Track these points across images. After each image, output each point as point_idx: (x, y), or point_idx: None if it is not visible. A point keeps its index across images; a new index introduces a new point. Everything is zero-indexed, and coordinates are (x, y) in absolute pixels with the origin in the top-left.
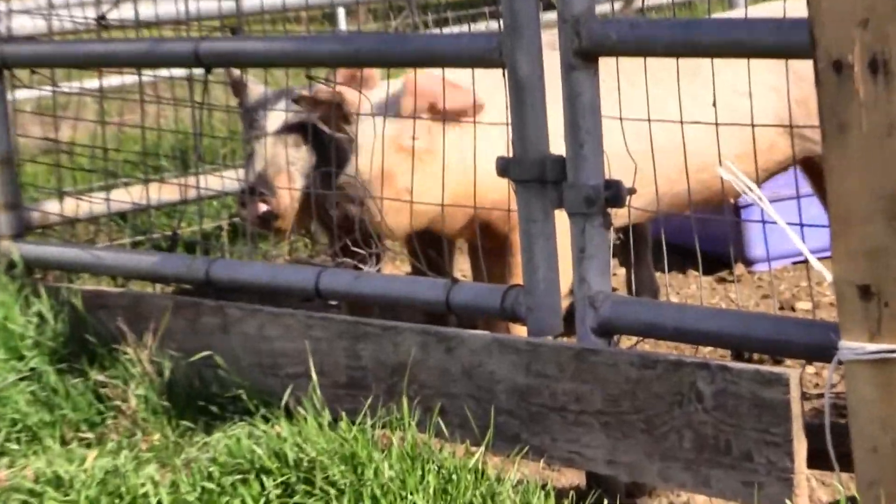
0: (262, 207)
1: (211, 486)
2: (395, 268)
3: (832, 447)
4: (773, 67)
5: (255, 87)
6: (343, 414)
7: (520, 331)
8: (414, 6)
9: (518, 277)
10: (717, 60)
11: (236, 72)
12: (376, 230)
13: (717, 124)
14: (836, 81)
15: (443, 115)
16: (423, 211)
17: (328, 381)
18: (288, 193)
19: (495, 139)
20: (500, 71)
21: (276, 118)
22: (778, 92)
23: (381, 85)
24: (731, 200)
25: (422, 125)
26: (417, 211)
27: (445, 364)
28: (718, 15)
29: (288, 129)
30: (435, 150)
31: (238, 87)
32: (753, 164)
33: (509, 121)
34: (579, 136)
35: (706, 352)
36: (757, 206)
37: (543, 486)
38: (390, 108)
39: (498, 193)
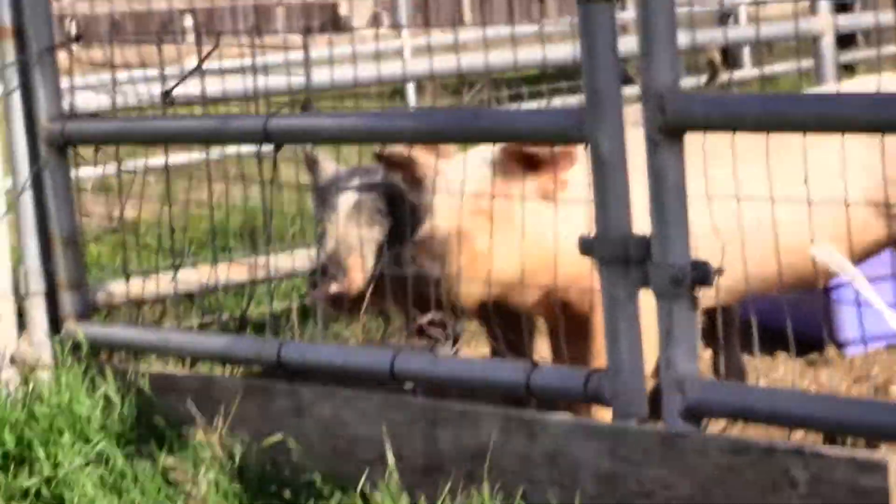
0: (334, 288)
1: None
2: (473, 349)
3: None
4: (863, 146)
5: (328, 164)
6: (421, 500)
7: (604, 414)
8: (488, 81)
9: (600, 359)
10: (804, 140)
11: (309, 148)
12: (450, 297)
13: (808, 202)
14: None
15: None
16: (497, 279)
17: (405, 465)
18: (360, 273)
19: (575, 215)
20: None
21: (348, 197)
22: (869, 171)
23: (458, 156)
24: (821, 284)
25: (503, 189)
26: (492, 279)
27: (527, 449)
28: (807, 90)
29: (361, 207)
30: (514, 219)
31: (310, 164)
32: (846, 243)
33: (592, 198)
34: (664, 215)
35: (798, 436)
36: (847, 287)
37: None
38: (475, 170)
39: (575, 268)
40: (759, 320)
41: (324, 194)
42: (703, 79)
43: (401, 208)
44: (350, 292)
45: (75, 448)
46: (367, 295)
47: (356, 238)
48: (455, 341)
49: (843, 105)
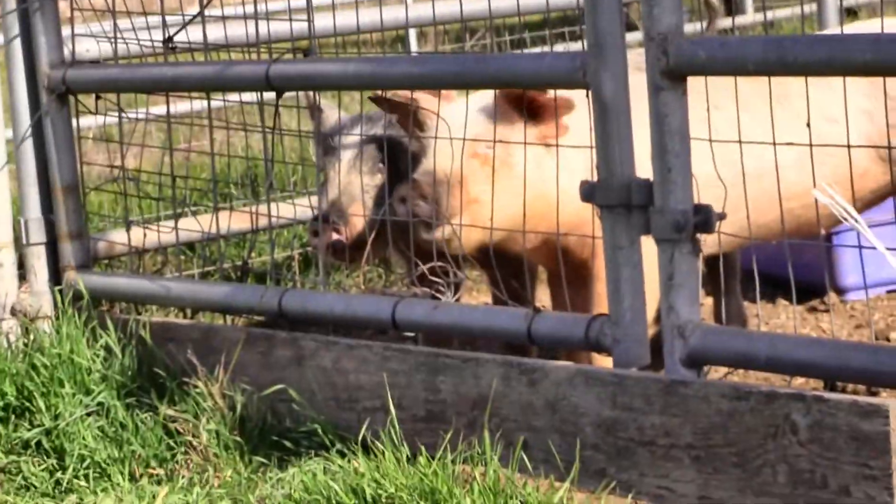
0: (335, 236)
1: None
2: (474, 298)
3: None
4: (865, 91)
5: (331, 111)
6: (422, 448)
7: (604, 362)
8: (490, 27)
9: (602, 307)
10: (804, 86)
11: (312, 95)
12: (447, 242)
13: (811, 145)
14: None
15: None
16: (495, 225)
17: (406, 414)
18: (362, 221)
19: (574, 161)
20: (583, 92)
21: (350, 145)
22: (870, 116)
23: (459, 101)
24: (823, 231)
25: (502, 134)
26: (488, 224)
27: (528, 397)
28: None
29: (363, 155)
30: (512, 163)
31: (313, 112)
32: (848, 189)
33: (593, 143)
34: (667, 160)
35: (798, 383)
36: (849, 233)
37: None
38: (474, 115)
39: (576, 215)
40: (759, 267)
41: (326, 142)
42: (704, 24)
43: (402, 159)
44: (351, 240)
45: (76, 399)
46: (369, 243)
47: (357, 187)
48: (457, 289)
49: (847, 46)
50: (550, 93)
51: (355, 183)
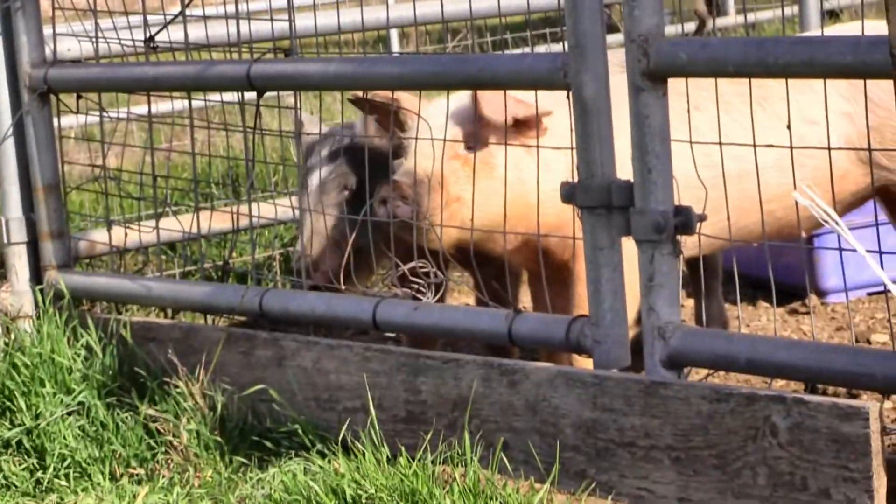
0: (315, 280)
1: None
2: (455, 300)
3: None
4: (845, 93)
5: (310, 125)
6: (402, 449)
7: (584, 363)
8: (471, 28)
9: (582, 308)
10: (785, 88)
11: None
12: (427, 242)
13: (791, 147)
14: None
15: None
16: (475, 226)
17: (387, 415)
18: (335, 261)
19: (554, 162)
20: (563, 93)
21: (314, 178)
22: (850, 118)
23: (437, 100)
24: (804, 234)
25: (482, 134)
26: (468, 224)
27: (509, 398)
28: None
29: (329, 184)
30: (492, 164)
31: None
32: (828, 190)
33: (573, 144)
34: (647, 161)
35: (779, 385)
36: (829, 236)
37: None
38: (453, 116)
39: (556, 216)
40: (741, 269)
41: (301, 171)
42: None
43: (372, 169)
44: (325, 280)
45: (56, 398)
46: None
47: (321, 223)
48: (437, 290)
49: (827, 48)
50: (529, 96)
51: (319, 221)
